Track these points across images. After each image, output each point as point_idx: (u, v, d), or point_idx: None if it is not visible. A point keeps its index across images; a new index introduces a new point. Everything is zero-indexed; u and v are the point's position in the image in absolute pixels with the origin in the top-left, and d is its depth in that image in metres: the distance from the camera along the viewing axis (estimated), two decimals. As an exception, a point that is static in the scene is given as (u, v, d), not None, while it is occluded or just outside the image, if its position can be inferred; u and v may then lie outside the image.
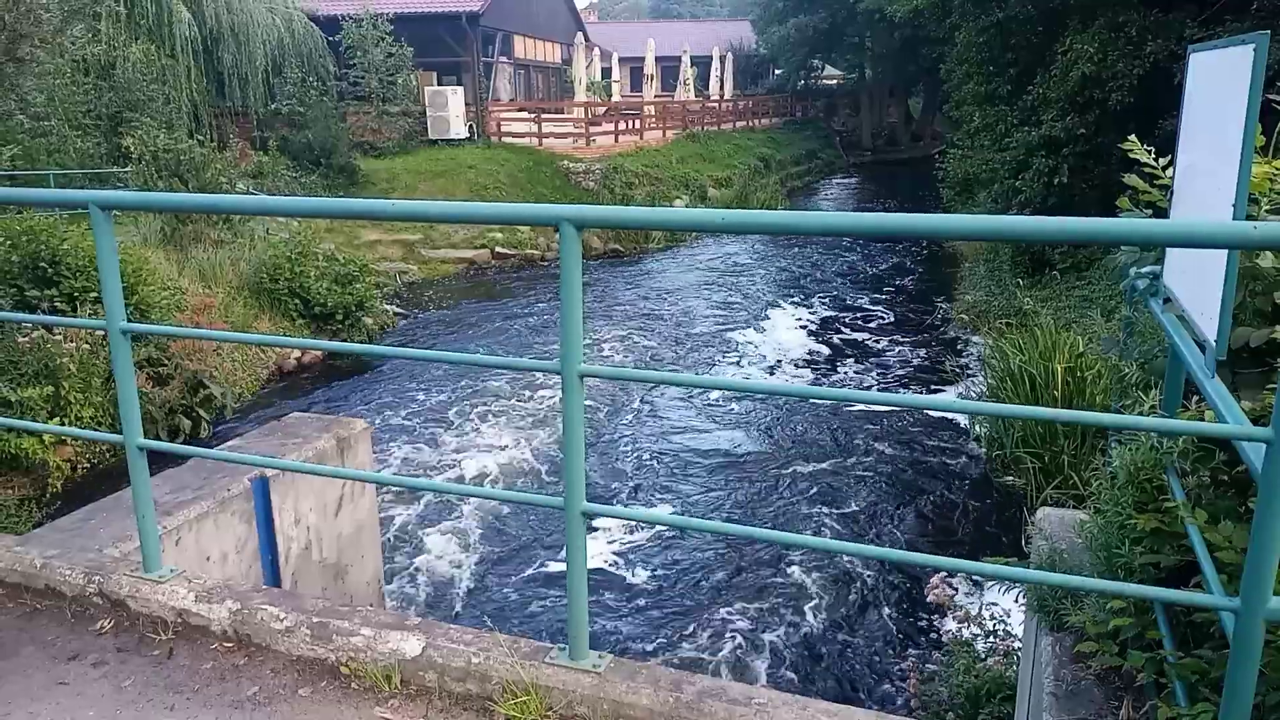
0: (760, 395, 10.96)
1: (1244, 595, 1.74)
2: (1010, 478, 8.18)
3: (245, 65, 21.20)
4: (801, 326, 14.93)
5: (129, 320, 2.82)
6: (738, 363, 13.02)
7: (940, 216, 1.90)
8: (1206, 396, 2.16)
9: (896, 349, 13.50)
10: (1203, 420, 2.33)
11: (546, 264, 19.35)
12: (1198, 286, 2.30)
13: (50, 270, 9.38)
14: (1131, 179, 2.94)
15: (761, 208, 25.52)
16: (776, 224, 2.04)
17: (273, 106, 21.94)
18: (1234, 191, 2.01)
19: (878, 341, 13.97)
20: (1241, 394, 2.26)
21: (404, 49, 24.27)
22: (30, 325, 8.61)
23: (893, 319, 15.33)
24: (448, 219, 2.56)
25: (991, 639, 4.87)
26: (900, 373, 12.33)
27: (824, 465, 9.12)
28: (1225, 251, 2.04)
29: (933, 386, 11.60)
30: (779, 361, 13.02)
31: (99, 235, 2.70)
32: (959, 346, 13.31)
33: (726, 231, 2.05)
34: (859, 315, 15.64)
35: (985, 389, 9.61)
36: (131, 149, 14.54)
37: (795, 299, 16.95)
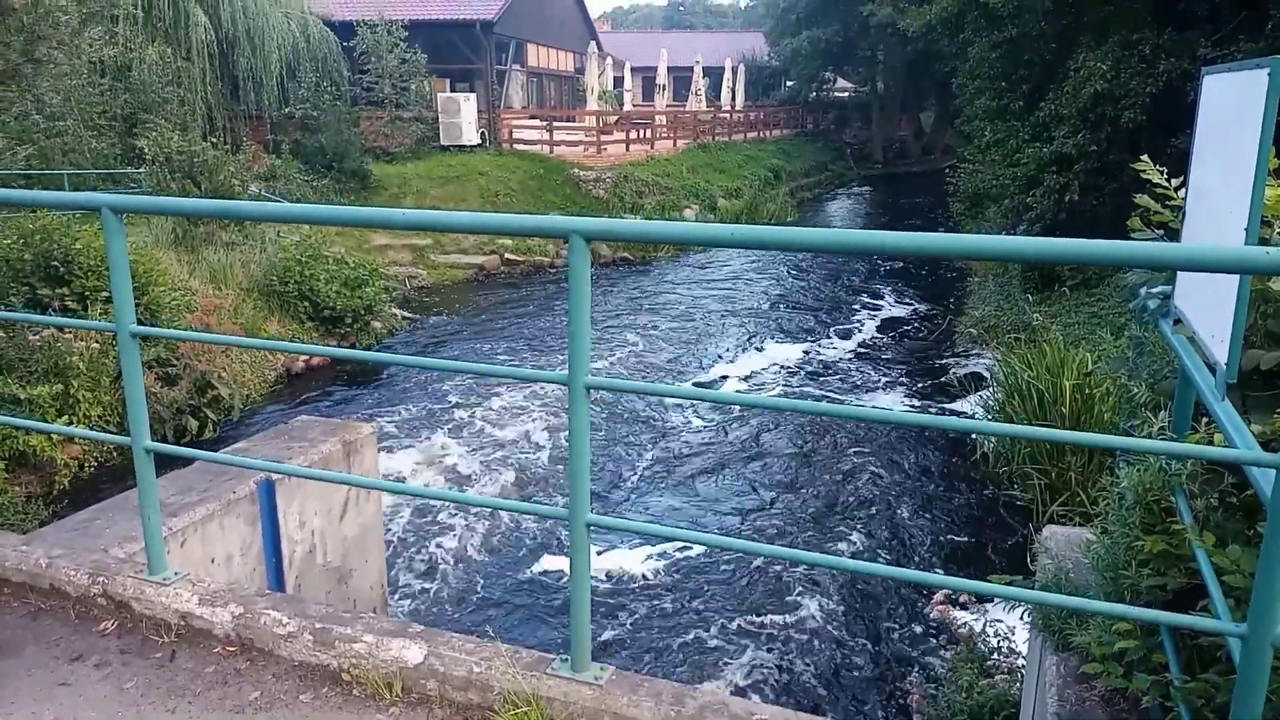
0: (765, 410, 10.94)
1: (1251, 621, 1.73)
2: (1016, 493, 8.15)
3: (260, 69, 21.30)
4: (807, 338, 14.90)
5: (139, 322, 2.83)
6: (742, 375, 13.00)
7: (949, 236, 1.90)
8: (1216, 419, 2.14)
9: (904, 363, 13.46)
10: (1212, 443, 2.31)
11: (555, 270, 19.39)
12: (1209, 309, 2.29)
13: (62, 269, 9.43)
14: (1143, 199, 2.93)
15: (771, 219, 25.52)
16: (784, 240, 2.04)
17: (286, 110, 22.04)
18: (1247, 215, 2.01)
19: (885, 355, 13.94)
20: (1252, 417, 2.24)
21: (418, 55, 24.44)
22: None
23: (901, 332, 15.30)
24: (458, 228, 2.57)
25: (995, 657, 4.85)
26: (908, 387, 12.29)
27: (828, 480, 9.09)
28: (1237, 275, 2.03)
29: (940, 401, 11.56)
30: (784, 373, 12.99)
31: (110, 238, 2.71)
32: (968, 361, 13.27)
33: (735, 247, 2.05)
34: (866, 327, 15.61)
35: (993, 404, 9.58)
36: (146, 150, 14.63)
37: (802, 310, 16.93)
